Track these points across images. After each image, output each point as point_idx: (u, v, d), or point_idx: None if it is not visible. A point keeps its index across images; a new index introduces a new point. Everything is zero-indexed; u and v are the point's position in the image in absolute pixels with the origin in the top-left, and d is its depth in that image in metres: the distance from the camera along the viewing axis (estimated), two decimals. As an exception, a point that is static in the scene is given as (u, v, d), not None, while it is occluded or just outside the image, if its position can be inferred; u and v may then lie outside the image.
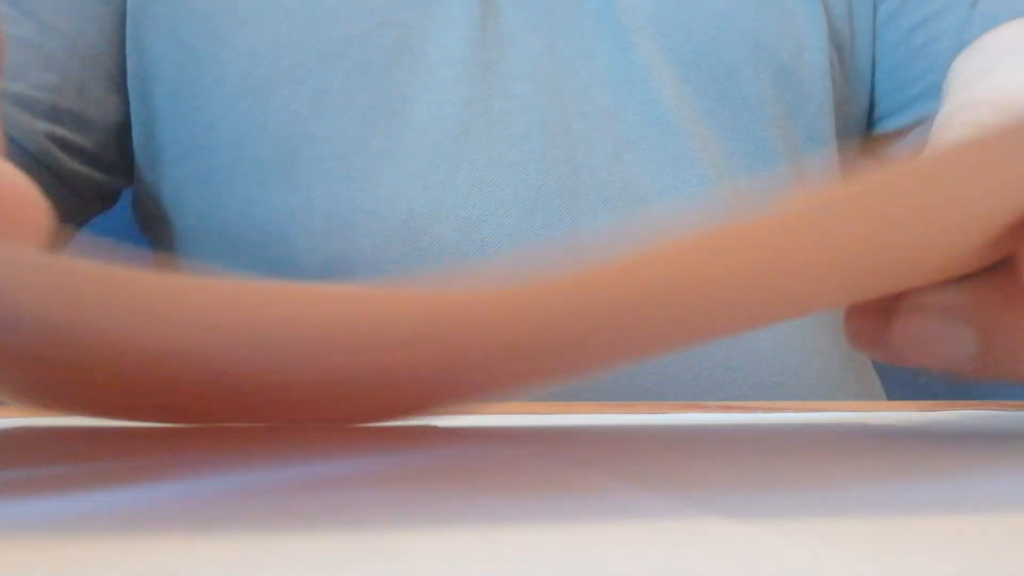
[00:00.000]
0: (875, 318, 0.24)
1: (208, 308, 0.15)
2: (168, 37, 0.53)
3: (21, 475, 0.20)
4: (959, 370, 0.22)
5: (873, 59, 0.60)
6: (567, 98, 0.52)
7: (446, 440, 0.25)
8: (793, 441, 0.26)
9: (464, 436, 0.26)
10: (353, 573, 0.14)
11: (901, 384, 0.64)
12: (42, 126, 0.52)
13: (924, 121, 0.58)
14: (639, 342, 0.19)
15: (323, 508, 0.18)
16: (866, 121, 0.61)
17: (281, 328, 0.16)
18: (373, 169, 0.50)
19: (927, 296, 0.22)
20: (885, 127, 0.60)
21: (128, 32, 0.55)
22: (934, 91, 0.57)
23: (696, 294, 0.18)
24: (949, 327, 0.22)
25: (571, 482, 0.19)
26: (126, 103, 0.56)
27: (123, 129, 0.57)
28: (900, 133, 0.60)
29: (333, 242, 0.50)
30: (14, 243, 0.16)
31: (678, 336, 0.19)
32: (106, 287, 0.15)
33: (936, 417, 0.35)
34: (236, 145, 0.50)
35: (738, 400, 0.51)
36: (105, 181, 0.57)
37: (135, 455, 0.23)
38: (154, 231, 0.58)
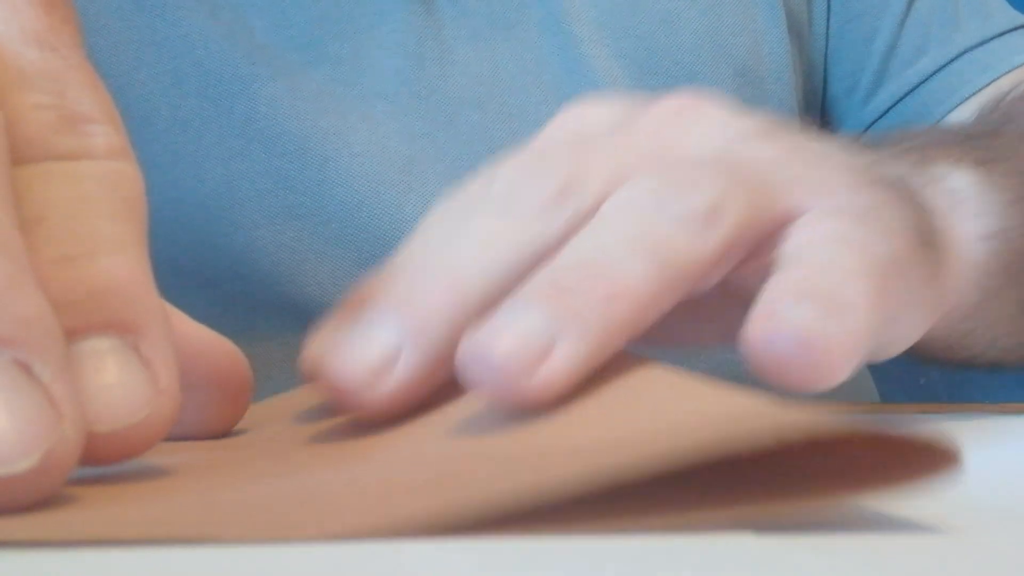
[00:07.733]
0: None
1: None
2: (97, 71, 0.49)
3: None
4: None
5: (827, 52, 0.56)
6: (517, 121, 0.49)
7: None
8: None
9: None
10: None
11: (896, 385, 0.63)
12: None
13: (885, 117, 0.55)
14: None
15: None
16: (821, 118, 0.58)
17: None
18: (314, 204, 0.47)
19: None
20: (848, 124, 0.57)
21: None
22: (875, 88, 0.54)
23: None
24: None
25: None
26: None
27: None
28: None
29: (282, 284, 0.47)
30: None
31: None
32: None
33: (935, 419, 0.35)
34: (174, 186, 0.46)
35: None
36: None
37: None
38: None
